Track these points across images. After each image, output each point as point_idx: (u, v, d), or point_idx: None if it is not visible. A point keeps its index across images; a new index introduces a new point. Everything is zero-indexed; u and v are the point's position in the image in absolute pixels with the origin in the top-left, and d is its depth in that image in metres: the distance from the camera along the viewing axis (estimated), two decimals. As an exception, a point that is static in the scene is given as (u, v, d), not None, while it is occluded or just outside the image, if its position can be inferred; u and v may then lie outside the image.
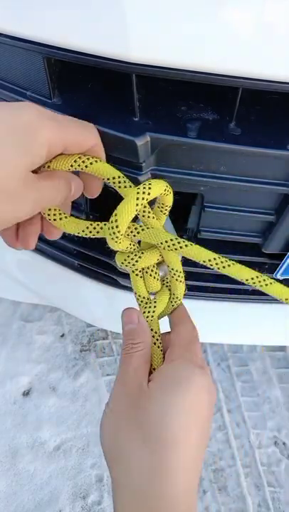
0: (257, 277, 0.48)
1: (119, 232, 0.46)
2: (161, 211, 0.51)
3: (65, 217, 0.49)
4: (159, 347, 0.49)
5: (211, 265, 0.48)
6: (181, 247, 0.47)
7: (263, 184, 0.54)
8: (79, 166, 0.45)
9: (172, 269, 0.53)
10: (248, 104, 0.51)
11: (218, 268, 0.48)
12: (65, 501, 1.18)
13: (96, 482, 1.21)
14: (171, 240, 0.47)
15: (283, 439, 1.31)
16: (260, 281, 0.48)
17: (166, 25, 0.42)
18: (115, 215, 0.45)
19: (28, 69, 0.50)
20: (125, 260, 0.50)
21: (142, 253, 0.50)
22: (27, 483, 1.20)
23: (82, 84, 0.53)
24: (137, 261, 0.49)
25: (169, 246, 0.47)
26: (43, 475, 1.21)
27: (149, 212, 0.49)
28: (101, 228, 0.50)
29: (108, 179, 0.47)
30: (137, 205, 0.45)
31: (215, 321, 0.88)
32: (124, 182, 0.47)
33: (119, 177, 0.47)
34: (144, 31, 0.42)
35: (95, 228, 0.50)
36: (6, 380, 1.37)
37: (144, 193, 0.45)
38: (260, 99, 0.52)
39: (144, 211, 0.49)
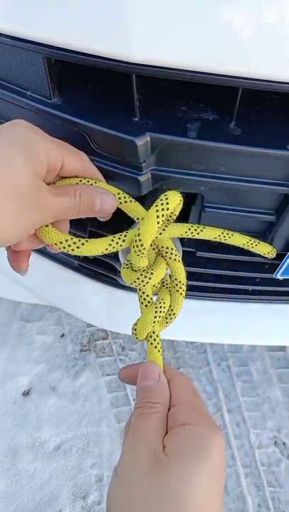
0: (249, 241, 0.59)
1: (144, 249, 0.47)
2: (168, 220, 0.53)
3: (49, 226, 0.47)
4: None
5: (216, 239, 0.56)
6: (198, 233, 0.53)
7: (263, 184, 0.54)
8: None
9: (176, 279, 0.53)
10: (248, 104, 0.51)
11: (225, 240, 0.56)
12: (65, 501, 1.18)
13: (96, 482, 1.21)
14: (191, 227, 0.53)
15: (283, 439, 1.31)
16: (250, 244, 0.59)
17: (166, 25, 0.42)
18: (139, 235, 0.47)
19: (28, 69, 0.50)
20: (138, 279, 0.49)
21: (152, 272, 0.50)
22: (27, 483, 1.20)
23: (82, 84, 0.53)
24: (150, 278, 0.49)
25: (188, 234, 0.52)
26: (43, 475, 1.21)
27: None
28: (123, 241, 0.49)
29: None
30: (158, 222, 0.47)
31: (215, 321, 0.88)
32: (125, 197, 0.49)
33: (118, 193, 0.49)
34: (144, 31, 0.42)
35: (117, 243, 0.49)
36: (6, 380, 1.37)
37: (162, 209, 0.47)
38: (260, 99, 0.52)
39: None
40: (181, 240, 0.70)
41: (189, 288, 0.78)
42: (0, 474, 1.21)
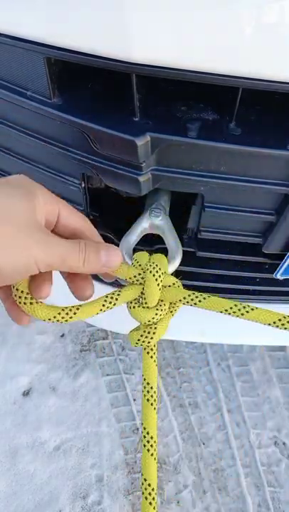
0: (281, 319, 0.47)
1: (148, 306, 0.52)
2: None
3: (36, 302, 0.47)
4: None
5: (230, 314, 0.49)
6: (199, 301, 0.51)
7: (263, 184, 0.54)
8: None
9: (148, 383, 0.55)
10: (248, 104, 0.51)
11: (239, 316, 0.49)
12: (65, 501, 1.18)
13: (96, 482, 1.21)
14: (190, 295, 0.51)
15: (283, 439, 1.31)
16: (285, 323, 0.47)
17: (166, 25, 0.42)
18: (144, 298, 0.51)
19: (28, 69, 0.50)
20: (141, 336, 0.52)
21: (156, 328, 0.52)
22: (27, 483, 1.20)
23: (82, 84, 0.53)
24: (153, 335, 0.52)
25: (188, 301, 0.51)
26: (43, 475, 1.21)
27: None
28: (116, 300, 0.50)
29: None
30: (158, 284, 0.50)
31: (215, 321, 0.88)
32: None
33: None
34: (144, 31, 0.42)
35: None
36: (6, 380, 1.37)
37: (159, 272, 0.51)
38: (260, 99, 0.52)
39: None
40: (181, 239, 0.70)
41: (190, 288, 0.78)
42: (0, 474, 1.21)
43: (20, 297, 0.45)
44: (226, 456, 1.28)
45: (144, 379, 0.53)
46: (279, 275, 0.71)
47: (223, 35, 0.42)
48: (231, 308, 0.49)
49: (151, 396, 0.53)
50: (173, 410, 1.34)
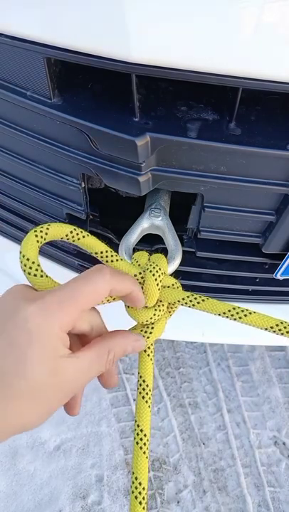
0: (279, 324, 0.47)
1: (147, 306, 0.52)
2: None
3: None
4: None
5: (228, 317, 0.49)
6: (198, 302, 0.51)
7: (263, 184, 0.54)
8: (73, 238, 0.46)
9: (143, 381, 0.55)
10: (248, 104, 0.51)
11: (237, 319, 0.49)
12: (65, 501, 1.18)
13: (96, 482, 1.21)
14: (188, 296, 0.51)
15: (283, 439, 1.31)
16: (281, 328, 0.47)
17: (166, 25, 0.42)
18: (145, 296, 0.51)
19: (28, 69, 0.50)
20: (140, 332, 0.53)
21: (153, 328, 0.53)
22: (27, 483, 1.20)
23: (82, 84, 0.53)
24: (149, 335, 0.52)
25: (186, 302, 0.51)
26: (43, 475, 1.21)
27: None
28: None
29: (96, 253, 0.49)
30: (158, 284, 0.51)
31: (215, 321, 0.88)
32: (112, 256, 0.50)
33: (107, 251, 0.49)
34: (144, 31, 0.42)
35: None
36: (6, 380, 1.37)
37: (158, 273, 0.51)
38: (260, 99, 0.52)
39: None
40: (181, 240, 0.70)
41: (190, 288, 0.78)
42: (0, 474, 1.21)
43: (30, 268, 0.43)
44: (225, 456, 1.28)
45: (140, 377, 0.53)
46: (279, 275, 0.71)
47: (223, 35, 0.42)
48: (229, 311, 0.49)
49: (147, 394, 0.53)
50: (173, 410, 1.34)
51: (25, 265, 0.42)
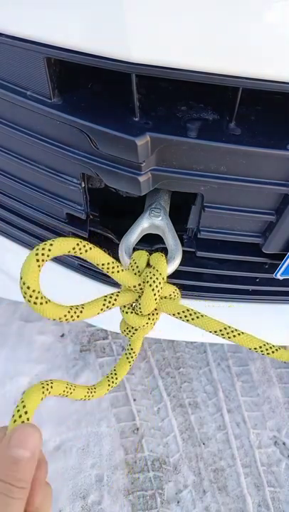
0: (262, 346, 0.52)
1: (142, 314, 0.54)
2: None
3: (46, 302, 0.45)
4: None
5: (218, 335, 0.52)
6: (192, 319, 0.52)
7: (263, 184, 0.54)
8: (79, 250, 0.47)
9: (131, 348, 0.61)
10: (248, 104, 0.51)
11: (226, 338, 0.51)
12: (65, 501, 1.18)
13: (96, 482, 1.21)
14: (184, 311, 0.53)
15: (283, 439, 1.31)
16: (267, 349, 0.52)
17: (166, 25, 0.42)
18: (140, 307, 0.53)
19: (28, 69, 0.50)
20: (126, 329, 0.57)
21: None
22: (27, 483, 1.20)
23: (82, 84, 0.53)
24: (135, 331, 0.57)
25: (181, 317, 0.53)
26: (43, 475, 1.21)
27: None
28: (115, 300, 0.52)
29: (102, 265, 0.50)
30: (155, 295, 0.52)
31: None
32: (118, 267, 0.51)
33: (112, 262, 0.50)
34: (144, 31, 0.42)
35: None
36: (6, 380, 1.37)
37: (157, 285, 0.52)
38: (260, 99, 0.52)
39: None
40: (181, 240, 0.70)
41: (190, 288, 0.78)
42: (0, 474, 1.21)
43: (31, 296, 0.43)
44: (225, 456, 1.28)
45: (130, 344, 0.59)
46: (279, 275, 0.71)
47: (223, 35, 0.42)
48: (220, 330, 0.51)
49: (131, 356, 0.60)
50: (173, 410, 1.34)
51: (25, 293, 0.42)
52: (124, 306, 0.54)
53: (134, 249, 0.61)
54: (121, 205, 0.73)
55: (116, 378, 0.58)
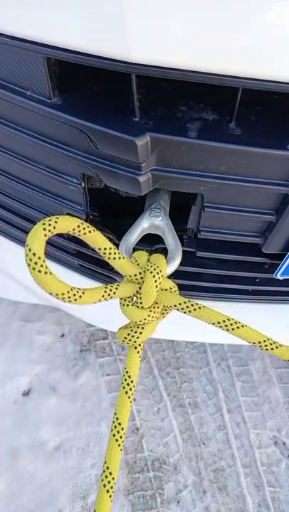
0: (265, 340, 0.50)
1: (143, 307, 0.52)
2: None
3: (50, 273, 0.44)
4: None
5: (221, 327, 0.50)
6: (194, 309, 0.51)
7: (263, 184, 0.54)
8: (79, 232, 0.46)
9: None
10: (248, 104, 0.51)
11: (227, 330, 0.50)
12: (65, 501, 1.18)
13: (96, 482, 1.21)
14: (185, 302, 0.51)
15: (283, 439, 1.31)
16: (268, 345, 0.50)
17: (166, 25, 0.42)
18: (140, 298, 0.52)
19: (28, 69, 0.50)
20: (128, 335, 0.54)
21: (143, 328, 0.54)
22: (27, 483, 1.20)
23: (82, 84, 0.53)
24: (139, 335, 0.54)
25: (182, 308, 0.51)
26: (43, 475, 1.21)
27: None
28: (114, 293, 0.51)
29: (100, 249, 0.49)
30: (156, 286, 0.51)
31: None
32: (115, 254, 0.50)
33: (110, 248, 0.49)
34: (144, 32, 0.42)
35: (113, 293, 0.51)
36: (6, 380, 1.37)
37: (158, 275, 0.52)
38: (260, 99, 0.52)
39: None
40: (181, 240, 0.70)
41: (189, 288, 0.78)
42: (0, 474, 1.21)
43: (36, 263, 0.41)
44: (225, 456, 1.28)
45: (127, 371, 0.54)
46: (279, 275, 0.71)
47: (223, 35, 0.42)
48: (224, 321, 0.50)
49: (130, 389, 0.54)
50: (173, 410, 1.34)
51: (30, 259, 0.40)
52: (125, 300, 0.53)
53: (134, 250, 0.61)
54: (121, 205, 0.73)
55: (120, 425, 0.53)
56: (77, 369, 1.41)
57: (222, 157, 0.51)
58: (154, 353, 1.48)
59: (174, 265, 0.60)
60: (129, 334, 0.53)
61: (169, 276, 0.61)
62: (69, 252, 0.79)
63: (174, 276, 0.65)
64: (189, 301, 0.51)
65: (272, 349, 0.49)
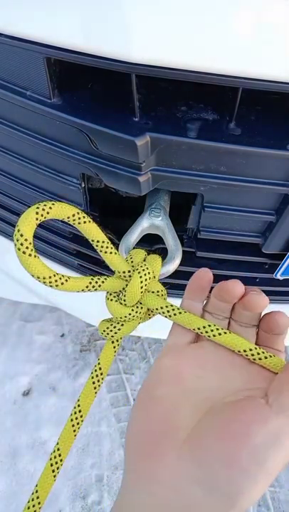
0: (252, 349, 0.44)
1: (126, 304, 0.51)
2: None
3: (36, 256, 0.43)
4: None
5: (202, 333, 0.47)
6: (174, 314, 0.49)
7: (263, 184, 0.54)
8: (74, 221, 0.45)
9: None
10: (248, 104, 0.51)
11: (210, 336, 0.46)
12: (65, 501, 1.18)
13: (96, 482, 1.21)
14: (166, 306, 0.50)
15: (283, 439, 1.31)
16: (255, 354, 0.45)
17: (167, 25, 0.42)
18: (124, 296, 0.51)
19: (28, 69, 0.50)
20: (107, 328, 0.53)
21: (123, 324, 0.53)
22: (27, 483, 1.20)
23: (82, 84, 0.53)
24: (118, 330, 0.53)
25: (163, 312, 0.50)
26: (43, 475, 1.21)
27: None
28: (99, 286, 0.51)
29: (93, 241, 0.48)
30: (142, 287, 0.50)
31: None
32: (108, 248, 0.49)
33: (103, 242, 0.48)
34: (145, 31, 0.42)
35: (97, 285, 0.50)
36: (6, 380, 1.37)
37: (146, 276, 0.50)
38: (260, 99, 0.52)
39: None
40: (181, 240, 0.70)
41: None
42: (0, 474, 1.21)
43: (22, 244, 0.41)
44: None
45: (99, 363, 0.54)
46: (279, 275, 0.71)
47: (223, 34, 0.42)
48: (204, 327, 0.46)
49: (98, 380, 0.55)
50: (173, 410, 1.34)
51: (17, 240, 0.40)
52: (110, 294, 0.52)
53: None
54: (121, 205, 0.73)
55: (81, 416, 0.54)
56: (77, 369, 1.41)
57: (222, 157, 0.52)
58: (154, 353, 1.48)
59: (174, 265, 0.60)
60: (108, 328, 0.53)
61: (169, 277, 0.61)
62: (69, 252, 0.79)
63: (174, 276, 0.65)
64: (171, 305, 0.50)
65: (261, 359, 0.43)
